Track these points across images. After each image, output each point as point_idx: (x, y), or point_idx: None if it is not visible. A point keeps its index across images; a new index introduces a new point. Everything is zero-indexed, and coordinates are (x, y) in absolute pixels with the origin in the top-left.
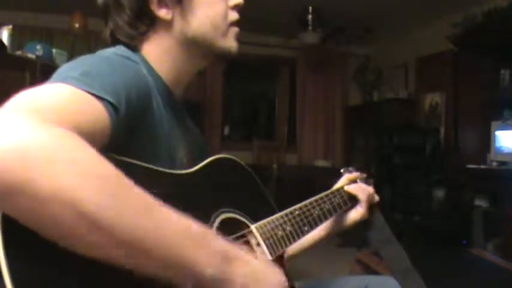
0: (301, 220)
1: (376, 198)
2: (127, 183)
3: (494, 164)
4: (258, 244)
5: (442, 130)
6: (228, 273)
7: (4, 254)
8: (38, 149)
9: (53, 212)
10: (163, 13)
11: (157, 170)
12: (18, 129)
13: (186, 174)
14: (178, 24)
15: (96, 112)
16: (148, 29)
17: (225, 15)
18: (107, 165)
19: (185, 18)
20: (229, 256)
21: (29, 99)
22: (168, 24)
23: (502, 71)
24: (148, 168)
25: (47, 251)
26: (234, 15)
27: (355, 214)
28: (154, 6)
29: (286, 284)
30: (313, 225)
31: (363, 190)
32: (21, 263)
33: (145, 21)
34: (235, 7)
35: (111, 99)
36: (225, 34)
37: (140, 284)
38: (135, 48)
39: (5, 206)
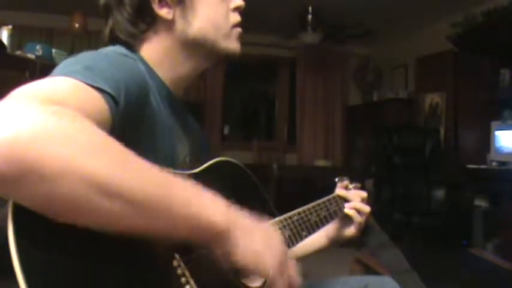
0: (300, 225)
1: (367, 209)
2: (131, 154)
3: (494, 164)
4: None
5: (442, 130)
6: (236, 223)
7: (16, 247)
8: (43, 132)
9: (67, 189)
10: (164, 12)
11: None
12: (22, 116)
13: (187, 175)
14: (179, 25)
15: (97, 104)
16: (149, 28)
17: (227, 17)
18: (111, 140)
19: (186, 18)
20: (236, 209)
21: (33, 89)
22: (169, 24)
23: (502, 71)
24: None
25: (58, 242)
26: (236, 17)
27: (350, 232)
28: (155, 5)
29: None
30: (310, 230)
31: (356, 211)
32: (33, 256)
33: (146, 20)
34: (237, 9)
35: (112, 93)
36: (227, 35)
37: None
38: (133, 48)
39: (20, 193)
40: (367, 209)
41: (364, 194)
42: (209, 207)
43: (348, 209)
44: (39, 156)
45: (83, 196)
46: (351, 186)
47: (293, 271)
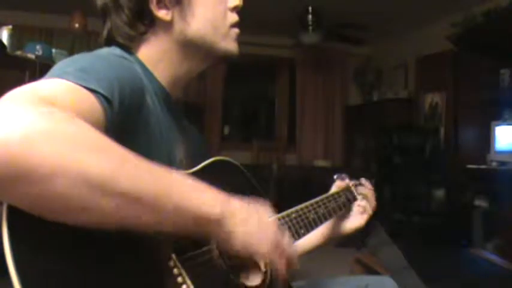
0: (298, 223)
1: (374, 201)
2: (125, 150)
3: (494, 164)
4: None
5: (442, 130)
6: (231, 211)
7: (10, 249)
8: (36, 132)
9: (62, 189)
10: (162, 14)
11: None
12: (14, 118)
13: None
14: (177, 26)
15: (90, 105)
16: (147, 30)
17: (225, 17)
18: (104, 137)
19: (184, 19)
20: (229, 198)
21: (25, 92)
22: (167, 26)
23: (502, 71)
24: None
25: (54, 243)
26: (233, 17)
27: (353, 223)
28: (153, 7)
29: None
30: (309, 228)
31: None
32: (27, 258)
33: (144, 22)
34: (235, 9)
35: (105, 93)
36: (225, 36)
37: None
38: (130, 50)
39: (15, 195)
40: (374, 201)
41: (371, 186)
42: (206, 198)
43: (359, 202)
44: (32, 157)
45: (76, 195)
46: (350, 183)
47: (290, 249)
